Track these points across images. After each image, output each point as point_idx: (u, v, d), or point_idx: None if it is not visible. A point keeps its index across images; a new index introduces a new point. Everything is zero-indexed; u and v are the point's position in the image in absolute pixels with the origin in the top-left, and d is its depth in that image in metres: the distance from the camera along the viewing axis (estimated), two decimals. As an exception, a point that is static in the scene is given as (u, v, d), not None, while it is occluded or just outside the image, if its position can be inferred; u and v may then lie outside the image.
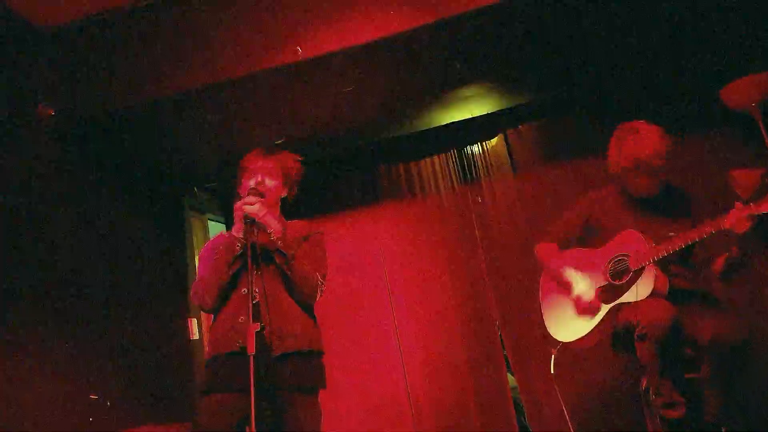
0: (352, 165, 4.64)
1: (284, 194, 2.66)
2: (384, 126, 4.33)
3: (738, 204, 2.46)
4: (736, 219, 2.43)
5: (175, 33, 3.32)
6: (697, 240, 2.53)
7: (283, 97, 3.62)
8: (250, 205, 2.36)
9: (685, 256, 2.67)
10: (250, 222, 2.34)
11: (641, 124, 2.78)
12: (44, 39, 3.35)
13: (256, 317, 2.28)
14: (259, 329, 2.21)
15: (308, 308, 2.51)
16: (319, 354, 2.51)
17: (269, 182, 2.55)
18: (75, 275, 3.39)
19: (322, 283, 2.49)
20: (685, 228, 2.60)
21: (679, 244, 2.55)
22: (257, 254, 2.39)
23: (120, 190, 3.83)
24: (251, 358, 2.08)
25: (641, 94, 4.00)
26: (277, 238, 2.38)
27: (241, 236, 2.36)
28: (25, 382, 3.02)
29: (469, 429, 4.02)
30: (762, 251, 3.30)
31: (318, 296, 2.48)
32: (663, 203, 2.81)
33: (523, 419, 4.00)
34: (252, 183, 2.52)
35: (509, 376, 4.12)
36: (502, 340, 4.14)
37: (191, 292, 2.58)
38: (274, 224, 2.40)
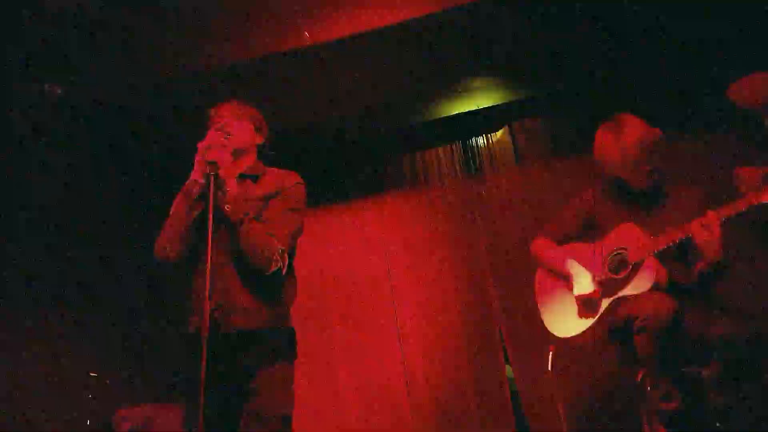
0: (357, 154, 4.64)
1: (259, 140, 2.43)
2: (390, 115, 4.33)
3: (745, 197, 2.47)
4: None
5: (186, 14, 3.31)
6: (692, 234, 2.53)
7: (291, 83, 3.62)
8: (216, 147, 2.11)
9: (682, 252, 2.67)
10: (213, 168, 2.07)
11: (623, 118, 2.79)
12: (60, 15, 3.34)
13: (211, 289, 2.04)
14: (214, 306, 2.00)
15: (276, 279, 2.21)
16: (278, 332, 2.24)
17: (237, 123, 2.31)
18: (75, 258, 3.41)
19: (282, 252, 2.19)
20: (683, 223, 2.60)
21: (678, 235, 2.55)
22: (216, 213, 2.10)
23: (125, 174, 3.85)
24: (204, 341, 1.89)
25: (647, 91, 3.99)
26: (226, 202, 2.12)
27: (202, 181, 2.11)
28: (27, 359, 3.05)
29: (466, 417, 4.04)
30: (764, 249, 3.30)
31: (272, 268, 2.15)
32: (662, 198, 2.81)
33: (519, 409, 4.02)
34: (218, 126, 2.23)
35: (506, 366, 4.14)
36: (501, 331, 4.15)
37: (156, 247, 2.25)
38: (231, 183, 2.14)
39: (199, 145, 2.14)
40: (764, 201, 2.41)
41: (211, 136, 2.16)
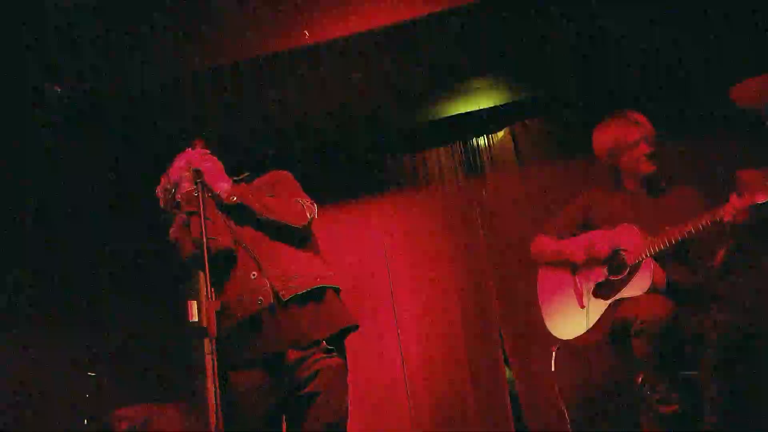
0: (357, 154, 4.64)
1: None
2: (390, 116, 4.33)
3: (734, 195, 2.44)
4: (734, 210, 2.40)
5: (184, 15, 3.32)
6: (693, 232, 2.50)
7: (290, 83, 3.62)
8: (197, 158, 2.26)
9: (681, 251, 2.65)
10: (199, 175, 2.22)
11: (622, 111, 2.79)
12: (60, 14, 3.34)
13: (253, 267, 2.20)
14: (219, 308, 2.03)
15: (308, 245, 2.37)
16: (335, 289, 2.33)
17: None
18: (77, 255, 3.42)
19: (310, 204, 2.36)
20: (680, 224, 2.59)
21: (675, 236, 2.53)
22: (225, 209, 2.30)
23: (124, 172, 3.85)
24: (213, 341, 1.97)
25: (649, 91, 3.97)
26: (228, 195, 2.27)
27: (193, 189, 2.24)
28: (25, 359, 3.06)
29: (466, 420, 4.03)
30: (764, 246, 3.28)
31: (309, 216, 2.31)
32: (661, 198, 2.80)
33: (518, 411, 4.01)
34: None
35: (506, 368, 4.13)
36: (501, 333, 4.14)
37: (186, 247, 2.30)
38: (219, 184, 2.29)
39: (176, 166, 2.30)
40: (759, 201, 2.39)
41: (188, 154, 2.31)
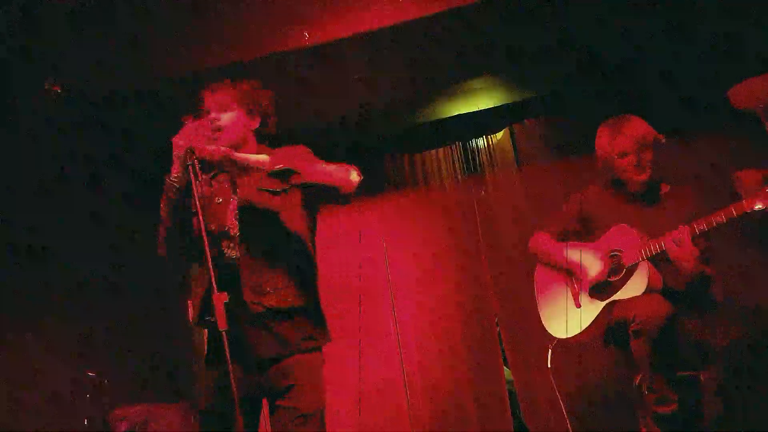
0: (357, 154, 4.63)
1: (254, 125, 2.26)
2: (390, 116, 4.33)
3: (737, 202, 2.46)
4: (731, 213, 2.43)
5: (184, 14, 3.32)
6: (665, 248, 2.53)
7: (290, 84, 3.62)
8: (203, 144, 2.01)
9: None
10: (190, 155, 1.96)
11: (624, 116, 2.79)
12: (58, 14, 3.34)
13: (234, 272, 2.04)
14: (227, 300, 1.86)
15: (301, 258, 2.23)
16: (316, 303, 2.22)
17: (225, 116, 2.17)
18: (77, 254, 3.42)
19: (350, 167, 2.21)
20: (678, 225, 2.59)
21: (658, 247, 2.55)
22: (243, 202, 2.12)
23: (122, 170, 3.85)
24: (224, 334, 1.81)
25: (647, 92, 3.98)
26: (272, 163, 2.01)
27: (175, 177, 2.02)
28: (25, 357, 3.06)
29: (465, 420, 4.04)
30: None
31: (359, 177, 2.22)
32: (661, 199, 2.80)
33: (517, 411, 4.02)
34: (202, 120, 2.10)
35: (505, 368, 4.14)
36: (499, 332, 4.15)
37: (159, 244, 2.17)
38: (253, 158, 2.04)
39: (174, 140, 2.04)
40: (746, 210, 2.39)
41: (190, 129, 2.05)
